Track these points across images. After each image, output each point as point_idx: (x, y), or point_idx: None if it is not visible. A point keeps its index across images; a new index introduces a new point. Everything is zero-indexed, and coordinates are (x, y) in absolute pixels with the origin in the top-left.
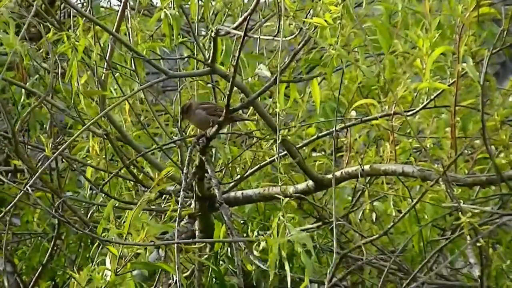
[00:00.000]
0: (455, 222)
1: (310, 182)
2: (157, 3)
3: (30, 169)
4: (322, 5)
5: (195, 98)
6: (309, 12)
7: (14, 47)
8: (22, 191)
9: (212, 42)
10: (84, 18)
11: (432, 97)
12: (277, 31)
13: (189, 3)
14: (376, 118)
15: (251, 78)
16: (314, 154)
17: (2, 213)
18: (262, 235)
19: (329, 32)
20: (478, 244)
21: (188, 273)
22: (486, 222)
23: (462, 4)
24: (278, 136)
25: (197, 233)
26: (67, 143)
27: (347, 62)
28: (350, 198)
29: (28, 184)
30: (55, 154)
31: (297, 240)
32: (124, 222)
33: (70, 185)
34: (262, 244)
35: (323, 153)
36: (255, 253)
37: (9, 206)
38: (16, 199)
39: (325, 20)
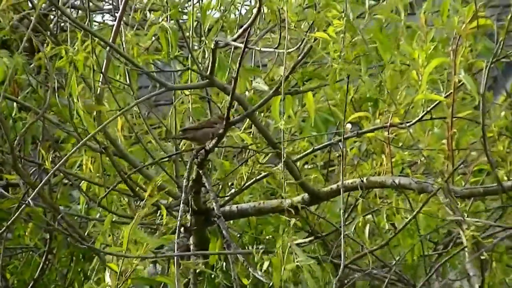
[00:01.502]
0: (453, 232)
1: (305, 195)
2: (150, 16)
3: (28, 184)
4: (324, 18)
5: (189, 112)
6: (311, 24)
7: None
8: (24, 205)
9: (210, 55)
10: (81, 32)
11: (428, 109)
12: (278, 43)
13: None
14: (372, 131)
15: (247, 91)
16: (305, 166)
17: (3, 228)
18: (262, 250)
19: (332, 46)
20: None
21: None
22: (489, 235)
23: (459, 16)
24: (283, 152)
25: (191, 247)
26: (65, 157)
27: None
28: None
29: (30, 198)
30: (54, 169)
31: (305, 266)
32: (119, 236)
33: (62, 199)
34: (266, 264)
35: (314, 166)
36: (259, 272)
37: (9, 221)
38: (18, 212)
39: (328, 34)
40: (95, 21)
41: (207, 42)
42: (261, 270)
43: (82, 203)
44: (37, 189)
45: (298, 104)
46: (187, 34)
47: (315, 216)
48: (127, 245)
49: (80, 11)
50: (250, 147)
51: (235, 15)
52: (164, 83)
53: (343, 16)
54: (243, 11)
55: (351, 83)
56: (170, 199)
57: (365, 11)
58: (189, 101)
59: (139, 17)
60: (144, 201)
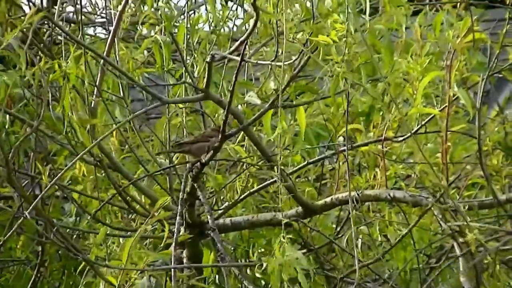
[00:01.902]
0: (446, 246)
1: (299, 209)
2: (142, 30)
3: (22, 197)
4: (323, 26)
5: (183, 125)
6: (310, 35)
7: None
8: (23, 218)
9: (205, 68)
10: (75, 45)
11: (423, 122)
12: (274, 56)
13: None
14: (366, 144)
15: (240, 105)
16: (298, 180)
17: (1, 242)
18: (259, 258)
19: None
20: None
21: None
22: (490, 239)
23: (453, 30)
24: (279, 165)
25: (185, 260)
26: (63, 171)
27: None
28: (334, 225)
29: (28, 212)
30: (51, 183)
31: (295, 262)
32: (116, 249)
33: (54, 212)
34: (264, 265)
35: (306, 179)
36: (257, 274)
37: (8, 234)
38: (16, 226)
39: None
40: (87, 35)
41: (196, 56)
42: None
43: (72, 212)
44: (34, 203)
45: (290, 118)
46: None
47: (308, 229)
48: (127, 261)
49: (72, 25)
50: (245, 160)
51: (229, 28)
52: (160, 97)
53: (345, 20)
54: (236, 24)
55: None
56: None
57: (365, 21)
58: (182, 114)
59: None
60: (147, 219)
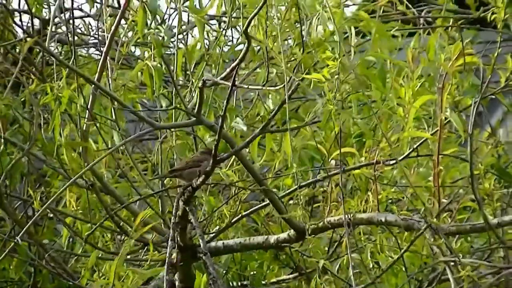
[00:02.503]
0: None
1: (292, 232)
2: (136, 52)
3: (14, 220)
4: (312, 57)
5: (175, 148)
6: (299, 62)
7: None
8: (14, 242)
9: (197, 93)
10: (66, 70)
11: (415, 146)
12: (265, 80)
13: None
14: (358, 168)
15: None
16: (290, 202)
17: None
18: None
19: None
20: None
21: None
22: (485, 275)
23: (445, 53)
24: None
25: (177, 283)
26: (54, 196)
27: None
28: (326, 249)
29: (18, 236)
30: (43, 207)
31: None
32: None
33: (47, 233)
34: None
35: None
36: None
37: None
38: (7, 250)
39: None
40: (80, 55)
41: (193, 80)
42: None
43: (65, 238)
44: (25, 228)
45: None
46: (172, 70)
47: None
48: (114, 280)
49: (65, 45)
50: (236, 183)
51: (221, 49)
52: (152, 122)
53: (337, 57)
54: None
55: (337, 121)
56: (155, 235)
57: (352, 49)
58: (172, 137)
59: (124, 51)
60: (130, 235)
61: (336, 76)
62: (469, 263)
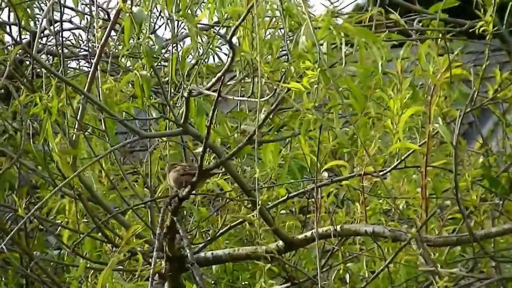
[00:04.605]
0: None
1: (280, 243)
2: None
3: (2, 230)
4: (297, 68)
5: (166, 159)
6: (284, 74)
7: None
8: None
9: (184, 103)
10: (56, 80)
11: (403, 157)
12: (250, 91)
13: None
14: (347, 179)
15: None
16: (282, 212)
17: None
18: None
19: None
20: None
21: None
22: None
23: (434, 65)
24: (258, 200)
25: None
26: (39, 204)
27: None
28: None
29: (3, 244)
30: (28, 215)
31: None
32: (95, 283)
33: (39, 245)
34: None
35: (290, 212)
36: None
37: None
38: None
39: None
40: (70, 68)
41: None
42: None
43: (54, 246)
44: (10, 235)
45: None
46: (163, 80)
47: (292, 262)
48: None
49: (55, 58)
50: (226, 194)
51: (213, 59)
52: (138, 131)
53: (317, 67)
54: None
55: (326, 131)
56: (146, 245)
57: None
58: (163, 148)
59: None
60: (119, 247)
61: (315, 86)
62: (447, 274)
